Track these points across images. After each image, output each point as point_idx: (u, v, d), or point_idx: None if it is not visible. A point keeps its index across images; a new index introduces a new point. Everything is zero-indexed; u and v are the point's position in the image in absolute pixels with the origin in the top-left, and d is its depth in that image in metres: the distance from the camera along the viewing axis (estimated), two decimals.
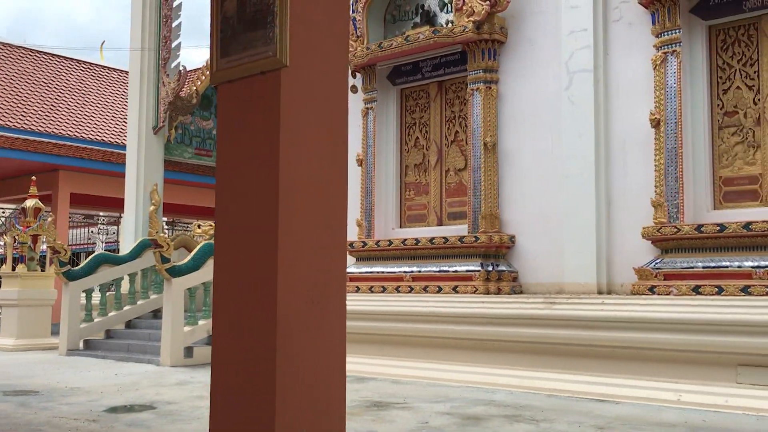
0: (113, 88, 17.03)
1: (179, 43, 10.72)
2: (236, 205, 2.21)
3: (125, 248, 10.38)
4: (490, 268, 6.55)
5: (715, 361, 5.02)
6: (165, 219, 18.17)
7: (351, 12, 7.51)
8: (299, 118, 2.18)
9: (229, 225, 2.23)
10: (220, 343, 2.20)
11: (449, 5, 7.16)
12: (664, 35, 5.73)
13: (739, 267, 5.19)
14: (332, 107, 2.33)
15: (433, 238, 6.90)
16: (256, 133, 2.17)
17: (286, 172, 2.12)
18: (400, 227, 7.58)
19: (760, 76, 5.52)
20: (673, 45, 5.67)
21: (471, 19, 6.65)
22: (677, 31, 5.67)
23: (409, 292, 6.92)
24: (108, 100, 16.37)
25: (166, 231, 18.38)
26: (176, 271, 7.77)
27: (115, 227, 20.90)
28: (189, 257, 8.08)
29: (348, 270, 7.44)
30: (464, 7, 6.71)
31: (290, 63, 2.13)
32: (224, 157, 2.26)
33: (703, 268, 5.36)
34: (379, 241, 7.29)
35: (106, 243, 22.13)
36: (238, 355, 2.14)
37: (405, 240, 7.11)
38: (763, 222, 5.11)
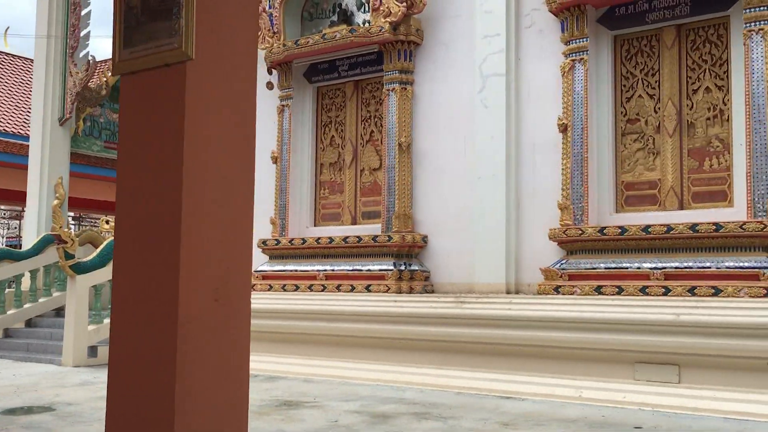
0: (17, 76, 16.31)
1: (88, 32, 10.34)
2: (138, 201, 2.15)
3: (27, 243, 9.96)
4: (402, 268, 6.60)
5: (614, 359, 5.22)
6: (71, 214, 17.52)
7: (268, 8, 7.44)
8: (205, 112, 2.14)
9: (130, 221, 2.17)
10: (119, 341, 2.14)
11: (366, 5, 7.18)
12: (572, 43, 5.91)
13: (638, 268, 5.41)
14: (240, 102, 2.30)
15: (347, 237, 6.91)
16: (160, 127, 2.12)
17: (190, 168, 2.07)
18: (315, 226, 7.55)
19: (661, 85, 5.77)
20: (581, 53, 5.86)
21: (388, 20, 6.70)
22: (585, 39, 5.86)
23: (322, 290, 6.91)
24: (11, 88, 15.66)
25: (72, 226, 17.72)
26: (81, 268, 7.51)
27: (17, 221, 20.02)
28: (95, 254, 7.83)
29: (261, 268, 7.37)
30: (381, 8, 6.74)
31: (196, 55, 2.09)
32: (126, 151, 2.20)
33: (605, 269, 5.56)
34: (292, 240, 7.24)
35: (6, 238, 21.18)
36: (138, 354, 2.09)
37: (319, 239, 7.09)
38: (661, 225, 5.34)
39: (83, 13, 10.28)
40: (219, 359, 2.16)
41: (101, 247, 7.92)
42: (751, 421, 4.52)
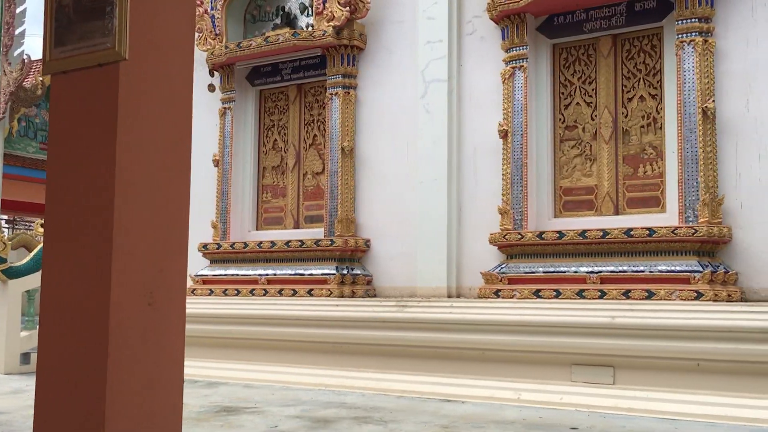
0: None
1: (23, 31, 10.07)
2: (68, 203, 2.10)
3: None
4: (345, 272, 6.60)
5: (552, 361, 5.32)
6: (4, 217, 16.98)
7: (210, 9, 7.36)
8: (138, 114, 2.10)
9: (60, 223, 2.12)
10: (48, 347, 2.09)
11: (310, 9, 7.17)
12: (512, 51, 6.01)
13: (575, 272, 5.52)
14: (175, 103, 2.27)
15: (289, 241, 6.88)
16: (92, 128, 2.08)
17: (122, 170, 2.04)
18: (257, 230, 7.49)
19: (597, 93, 5.91)
20: (521, 60, 5.96)
21: (331, 24, 6.70)
22: (524, 47, 5.97)
23: (264, 295, 6.86)
24: None
25: (5, 230, 17.19)
26: (13, 273, 7.29)
27: None
28: (28, 258, 7.60)
29: (202, 273, 7.27)
30: (324, 12, 6.74)
31: (130, 56, 2.06)
32: (56, 153, 2.15)
33: (544, 272, 5.66)
34: (234, 244, 7.17)
35: None
36: (67, 360, 2.04)
37: (261, 242, 7.04)
38: (597, 230, 5.47)
39: (18, 10, 10.01)
40: (152, 365, 2.12)
41: (35, 251, 7.70)
42: (682, 420, 4.66)
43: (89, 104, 2.09)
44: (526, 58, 5.96)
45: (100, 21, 2.07)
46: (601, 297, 5.36)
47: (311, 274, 6.72)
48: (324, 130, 7.13)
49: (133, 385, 2.04)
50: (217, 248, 7.24)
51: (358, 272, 6.66)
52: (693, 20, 5.33)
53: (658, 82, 5.70)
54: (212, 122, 7.62)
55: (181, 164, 2.26)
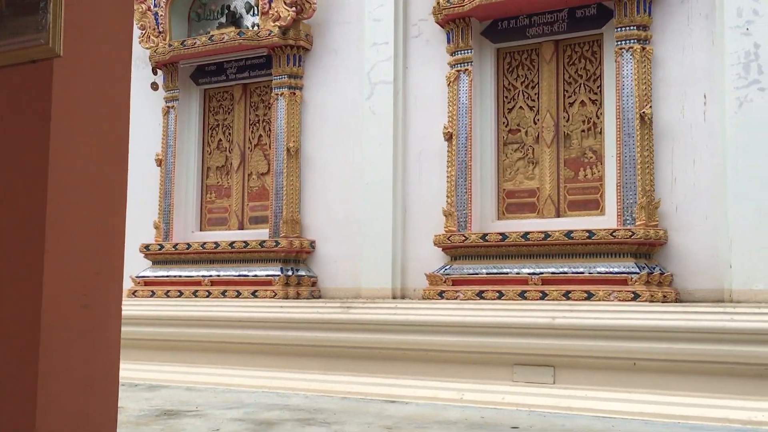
0: None
1: None
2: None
3: None
4: (289, 273, 6.57)
5: (494, 361, 5.39)
6: None
7: (153, 6, 7.24)
8: (73, 112, 2.06)
9: None
10: None
11: (256, 8, 7.11)
12: (457, 54, 6.08)
13: (518, 273, 5.61)
14: (112, 101, 2.23)
15: (234, 242, 6.81)
16: (24, 126, 2.03)
17: (56, 169, 1.99)
18: (200, 230, 7.40)
19: (540, 98, 6.02)
20: (466, 64, 6.03)
21: (277, 24, 6.66)
22: (469, 51, 6.03)
23: (207, 296, 6.78)
24: None
25: None
26: None
27: None
28: None
29: (143, 274, 7.15)
30: (270, 12, 6.70)
31: (64, 52, 2.01)
32: None
33: (487, 274, 5.73)
34: (177, 244, 7.07)
35: None
36: None
37: (204, 243, 6.95)
38: (539, 232, 5.56)
39: None
40: (86, 368, 2.08)
41: None
42: (619, 418, 4.77)
43: (21, 102, 2.03)
44: (471, 62, 6.03)
45: (33, 16, 2.02)
46: (542, 298, 5.45)
47: (255, 276, 6.67)
48: (269, 130, 7.08)
49: (66, 389, 2.00)
50: (160, 249, 7.13)
51: (303, 273, 6.64)
52: (631, 28, 5.47)
53: (598, 87, 5.83)
54: (155, 121, 7.50)
55: (118, 164, 2.22)
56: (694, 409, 4.70)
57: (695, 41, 5.42)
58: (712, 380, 4.76)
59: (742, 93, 5.14)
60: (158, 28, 7.23)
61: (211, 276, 6.85)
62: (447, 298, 5.78)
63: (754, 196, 5.04)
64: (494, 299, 5.60)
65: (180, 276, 7.00)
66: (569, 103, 5.92)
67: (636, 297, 5.14)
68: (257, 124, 7.27)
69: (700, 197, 5.31)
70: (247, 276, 6.70)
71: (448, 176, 6.04)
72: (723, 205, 5.19)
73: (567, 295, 5.37)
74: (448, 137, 6.04)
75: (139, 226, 7.37)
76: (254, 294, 6.57)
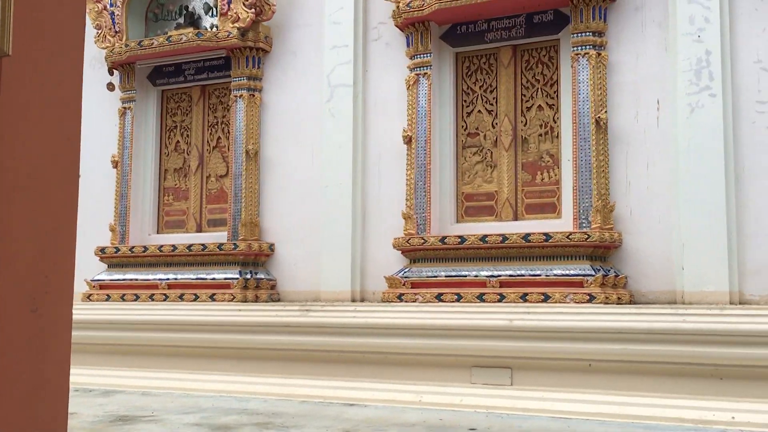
0: None
1: None
2: None
3: None
4: (248, 276, 6.52)
5: (452, 363, 5.41)
6: None
7: (109, 6, 7.14)
8: (22, 112, 2.01)
9: None
10: None
11: (214, 9, 7.06)
12: (416, 58, 6.11)
13: (476, 276, 5.65)
14: (63, 102, 2.18)
15: (191, 245, 6.74)
16: None
17: (3, 171, 1.95)
18: (157, 233, 7.30)
19: (498, 102, 6.08)
20: (425, 68, 6.06)
21: (236, 25, 6.61)
22: (428, 55, 6.07)
23: (164, 300, 6.69)
24: None
25: None
26: None
27: None
28: None
29: (98, 277, 7.04)
30: (229, 13, 6.65)
31: (13, 51, 1.96)
32: None
33: (446, 276, 5.76)
34: (133, 247, 6.97)
35: None
36: None
37: (161, 246, 6.87)
38: (497, 235, 5.61)
39: None
40: (35, 374, 2.03)
41: None
42: (575, 419, 4.84)
43: None
44: (430, 66, 6.06)
45: None
46: (500, 300, 5.50)
47: (214, 279, 6.60)
48: (228, 132, 7.03)
49: (14, 396, 1.95)
50: (115, 252, 7.02)
51: (262, 277, 6.60)
52: (587, 34, 5.56)
53: (555, 92, 5.91)
54: (112, 122, 7.39)
55: (68, 165, 2.17)
56: (648, 409, 4.79)
57: (649, 48, 5.52)
58: (665, 380, 4.86)
59: (693, 99, 5.26)
60: (114, 27, 7.12)
61: (168, 279, 6.77)
62: (406, 301, 5.79)
63: (705, 201, 5.15)
64: (453, 302, 5.64)
65: (136, 279, 6.90)
66: (527, 107, 5.99)
67: (591, 299, 5.22)
68: (216, 126, 7.21)
69: (653, 201, 5.41)
70: (205, 279, 6.63)
71: (407, 179, 6.06)
72: (675, 209, 5.30)
73: (524, 298, 5.43)
74: (408, 140, 6.06)
75: (95, 229, 7.26)
76: (212, 297, 6.50)
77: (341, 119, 6.41)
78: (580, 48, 5.57)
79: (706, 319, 4.75)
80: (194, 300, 6.56)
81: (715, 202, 5.13)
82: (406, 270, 5.95)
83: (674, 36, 5.39)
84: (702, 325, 4.73)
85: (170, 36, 6.90)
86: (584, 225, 5.43)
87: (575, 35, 5.60)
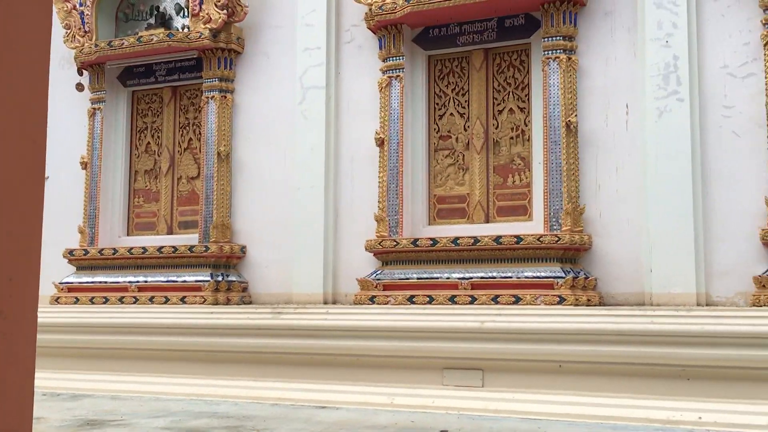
0: None
1: None
2: None
3: None
4: (219, 279, 6.48)
5: (424, 365, 5.43)
6: None
7: (79, 5, 7.06)
8: None
9: None
10: None
11: (186, 10, 7.01)
12: (389, 60, 6.12)
13: (448, 278, 5.67)
14: (28, 102, 2.15)
15: (162, 247, 6.68)
16: None
17: None
18: (127, 235, 7.23)
19: (470, 105, 6.11)
20: (397, 70, 6.07)
21: (207, 26, 6.58)
22: (401, 58, 6.08)
23: (134, 303, 6.62)
24: None
25: None
26: None
27: None
28: None
29: (67, 280, 6.95)
30: (201, 14, 6.61)
31: None
32: None
33: (418, 279, 5.77)
34: (102, 250, 6.89)
35: None
36: None
37: (131, 249, 6.80)
38: (469, 237, 5.64)
39: None
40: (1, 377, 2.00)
41: None
42: (545, 420, 4.87)
43: None
44: (403, 68, 6.08)
45: None
46: (471, 302, 5.52)
47: (185, 281, 6.55)
48: (200, 133, 6.98)
49: None
50: (84, 254, 6.93)
51: (234, 279, 6.56)
52: (558, 38, 5.61)
53: (526, 95, 5.95)
54: (81, 123, 7.31)
55: (33, 166, 2.14)
56: (616, 409, 4.84)
57: (618, 53, 5.59)
58: (633, 381, 4.91)
59: (661, 103, 5.33)
60: (84, 27, 7.04)
61: (138, 282, 6.70)
62: (378, 303, 5.79)
63: (673, 204, 5.23)
64: (425, 304, 5.65)
65: (106, 282, 6.83)
66: (498, 110, 6.03)
67: (561, 301, 5.26)
68: (187, 128, 7.16)
69: (622, 204, 5.47)
70: (176, 282, 6.58)
71: (379, 182, 6.07)
72: (644, 212, 5.36)
73: (495, 300, 5.46)
74: (380, 143, 6.07)
75: (64, 231, 7.18)
76: (183, 300, 6.45)
77: (313, 121, 6.40)
78: (550, 52, 5.62)
79: (674, 320, 4.82)
80: (165, 303, 6.50)
81: (683, 205, 5.20)
82: (378, 272, 5.95)
83: (643, 41, 5.46)
84: (670, 326, 4.79)
85: (141, 36, 6.84)
86: (555, 227, 5.48)
87: (546, 39, 5.65)
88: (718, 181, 5.22)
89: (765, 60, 5.08)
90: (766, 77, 5.07)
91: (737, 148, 5.19)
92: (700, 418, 4.62)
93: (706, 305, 5.13)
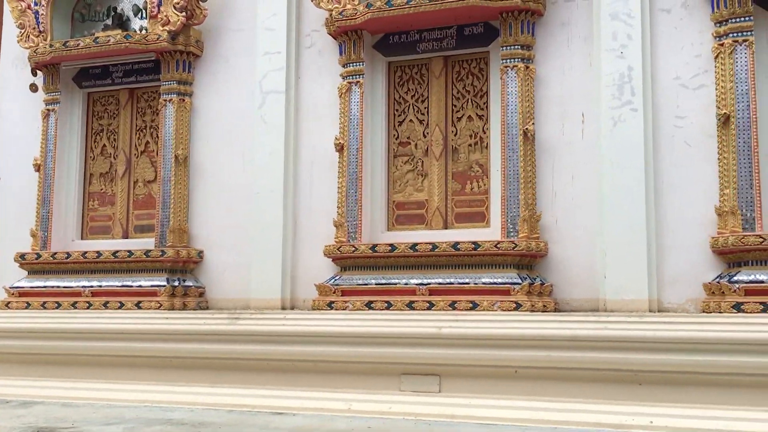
0: None
1: None
2: None
3: None
4: (176, 284, 6.41)
5: (382, 371, 5.44)
6: None
7: (33, 5, 6.93)
8: None
9: None
10: None
11: (144, 11, 6.93)
12: (349, 66, 6.12)
13: (406, 284, 5.69)
14: None
15: (117, 252, 6.58)
16: None
17: None
18: (82, 239, 7.11)
19: (429, 111, 6.15)
20: (357, 76, 6.08)
21: (166, 28, 6.51)
22: (361, 64, 6.09)
23: (88, 308, 6.51)
24: None
25: None
26: None
27: None
28: None
29: (18, 284, 6.82)
30: (159, 16, 6.54)
31: None
32: None
33: (376, 284, 5.78)
34: (55, 254, 6.76)
35: None
36: None
37: (86, 253, 6.68)
38: (427, 243, 5.66)
39: None
40: None
41: None
42: (501, 425, 4.92)
43: None
44: (363, 74, 6.09)
45: None
46: (429, 308, 5.55)
47: (140, 286, 6.46)
48: (157, 137, 6.90)
49: None
50: (36, 258, 6.79)
51: (190, 284, 6.49)
52: (516, 47, 5.68)
53: (484, 103, 6.01)
54: (35, 124, 7.18)
55: None
56: (570, 414, 4.91)
57: (575, 62, 5.68)
58: (587, 386, 4.99)
59: (616, 113, 5.43)
60: (39, 27, 6.92)
61: (92, 287, 6.59)
62: (336, 309, 5.79)
63: (627, 211, 5.32)
64: (383, 310, 5.66)
65: (58, 287, 6.70)
66: (457, 117, 6.08)
67: (518, 307, 5.32)
68: (144, 131, 7.07)
69: (577, 211, 5.55)
70: (131, 286, 6.49)
71: (339, 187, 6.07)
72: (599, 219, 5.45)
73: (453, 306, 5.49)
74: (340, 148, 6.07)
75: (16, 234, 7.05)
76: (138, 305, 6.36)
77: (273, 126, 6.38)
78: (508, 61, 5.69)
79: (627, 326, 4.90)
80: (119, 308, 6.41)
81: (636, 213, 5.30)
82: (337, 278, 5.95)
83: (598, 51, 5.55)
84: (622, 332, 4.88)
85: (97, 37, 6.74)
86: (512, 234, 5.54)
87: (504, 48, 5.72)
88: (670, 190, 5.33)
89: (716, 72, 5.21)
90: (716, 89, 5.19)
91: (689, 158, 5.31)
92: (651, 422, 4.71)
93: (658, 311, 5.24)
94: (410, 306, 5.61)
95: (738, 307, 4.87)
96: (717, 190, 5.16)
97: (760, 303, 4.83)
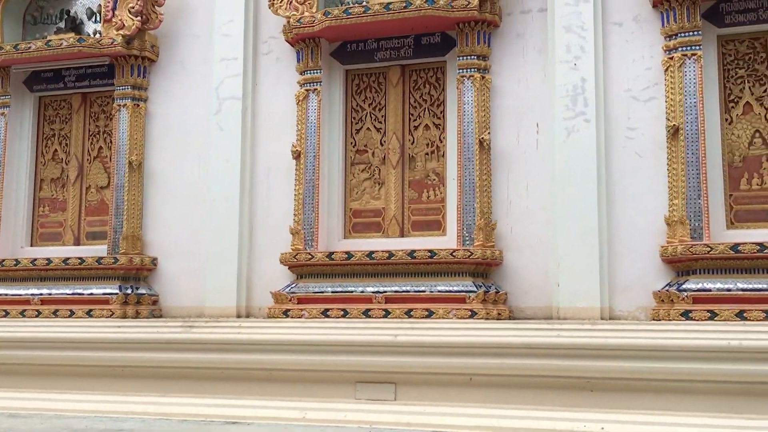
0: None
1: None
2: None
3: None
4: (129, 291, 6.31)
5: (337, 379, 5.42)
6: None
7: None
8: None
9: None
10: None
11: (98, 15, 6.83)
12: (306, 74, 6.12)
13: (362, 292, 5.69)
14: None
15: (68, 259, 6.45)
16: None
17: None
18: (31, 246, 6.95)
19: (387, 120, 6.17)
20: (315, 84, 6.08)
21: (120, 32, 6.41)
22: (318, 71, 6.09)
23: (37, 316, 6.36)
24: None
25: None
26: None
27: None
28: None
29: None
30: (114, 19, 6.45)
31: None
32: None
33: (332, 292, 5.77)
34: (3, 261, 6.59)
35: None
36: None
37: (35, 260, 6.53)
38: (383, 251, 5.67)
39: None
40: None
41: None
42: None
43: None
44: (320, 82, 6.09)
45: None
46: (385, 316, 5.55)
47: (91, 294, 6.34)
48: (110, 142, 6.79)
49: None
50: None
51: (144, 292, 6.39)
52: (472, 57, 5.74)
53: (441, 112, 6.05)
54: None
55: None
56: (524, 420, 4.96)
57: (529, 73, 5.76)
58: (540, 393, 5.04)
59: (570, 123, 5.52)
60: None
61: (41, 294, 6.45)
62: (292, 317, 5.76)
63: (579, 220, 5.40)
64: (339, 317, 5.65)
65: (6, 294, 6.54)
66: (414, 126, 6.11)
67: (473, 315, 5.36)
68: (97, 136, 6.95)
69: (532, 220, 5.62)
70: (83, 294, 6.36)
71: (295, 194, 6.05)
72: (552, 228, 5.53)
73: (409, 313, 5.51)
74: (297, 156, 6.05)
75: None
76: (90, 314, 6.24)
77: (229, 132, 6.33)
78: (465, 71, 5.74)
79: (579, 333, 4.97)
80: (70, 316, 6.28)
81: (589, 222, 5.38)
82: (293, 285, 5.92)
83: (552, 63, 5.64)
84: (575, 339, 4.94)
85: (50, 40, 6.61)
86: (467, 242, 5.58)
87: (461, 58, 5.77)
88: (621, 200, 5.43)
89: (666, 85, 5.33)
90: (666, 101, 5.32)
91: (640, 169, 5.42)
92: (602, 428, 4.78)
93: (610, 319, 5.32)
94: (366, 314, 5.61)
95: (686, 315, 4.98)
96: (667, 199, 5.27)
97: (708, 311, 4.94)
